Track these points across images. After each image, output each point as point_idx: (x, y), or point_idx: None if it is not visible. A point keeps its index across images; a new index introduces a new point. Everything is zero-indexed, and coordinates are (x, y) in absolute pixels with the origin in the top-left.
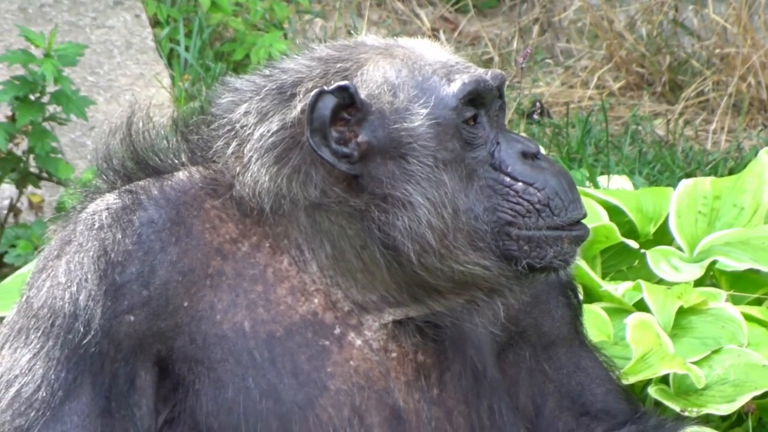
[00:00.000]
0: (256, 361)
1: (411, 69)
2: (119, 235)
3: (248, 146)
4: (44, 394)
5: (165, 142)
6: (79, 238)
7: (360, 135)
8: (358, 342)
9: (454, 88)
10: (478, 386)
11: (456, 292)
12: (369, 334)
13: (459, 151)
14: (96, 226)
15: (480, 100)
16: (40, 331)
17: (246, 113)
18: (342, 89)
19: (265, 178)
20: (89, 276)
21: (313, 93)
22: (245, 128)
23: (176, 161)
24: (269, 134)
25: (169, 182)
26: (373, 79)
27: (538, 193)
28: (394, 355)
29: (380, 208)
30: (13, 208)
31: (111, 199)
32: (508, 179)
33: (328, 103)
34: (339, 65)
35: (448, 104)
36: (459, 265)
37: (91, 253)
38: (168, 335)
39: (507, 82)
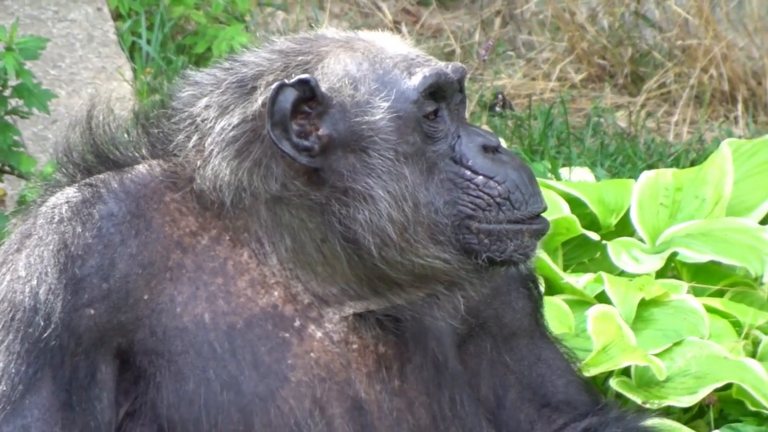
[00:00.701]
0: (216, 352)
1: (372, 62)
2: (79, 229)
3: (209, 140)
4: (4, 388)
5: (126, 135)
6: (39, 232)
7: (321, 128)
8: (319, 334)
9: (414, 81)
10: (439, 377)
11: (417, 285)
12: (329, 327)
13: (420, 144)
14: (56, 220)
15: (441, 93)
16: (0, 325)
17: (207, 107)
18: (303, 82)
19: (226, 172)
20: (49, 269)
21: (273, 86)
22: (206, 122)
23: (137, 154)
24: (230, 128)
25: (130, 175)
26: (333, 72)
27: (498, 187)
28: (355, 347)
29: (341, 201)
30: None
31: (71, 192)
32: (468, 173)
33: (289, 96)
34: (300, 58)
35: (409, 97)
36: (419, 259)
37: (51, 247)
38: (128, 328)
39: (468, 75)
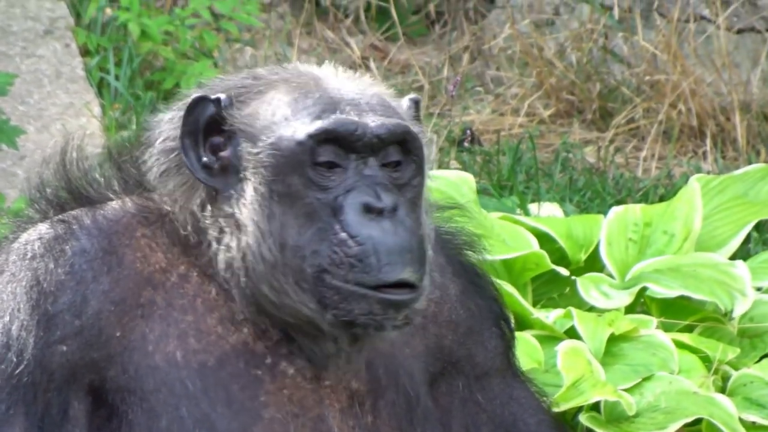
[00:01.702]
0: (188, 390)
1: (294, 99)
2: (51, 265)
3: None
4: None
5: (98, 171)
6: (11, 268)
7: (226, 150)
8: (291, 371)
9: (311, 126)
10: (411, 413)
11: (310, 331)
12: (301, 363)
13: (299, 188)
14: (28, 256)
15: (348, 145)
16: None
17: (164, 139)
18: (217, 100)
19: (180, 200)
20: (21, 306)
21: (192, 96)
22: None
23: (109, 191)
24: (167, 149)
25: (102, 212)
26: (260, 101)
27: (355, 247)
28: (327, 383)
29: (227, 227)
30: None
31: (43, 229)
32: (337, 227)
33: (204, 110)
34: (244, 85)
35: (295, 139)
36: (292, 303)
37: (24, 283)
38: (101, 365)
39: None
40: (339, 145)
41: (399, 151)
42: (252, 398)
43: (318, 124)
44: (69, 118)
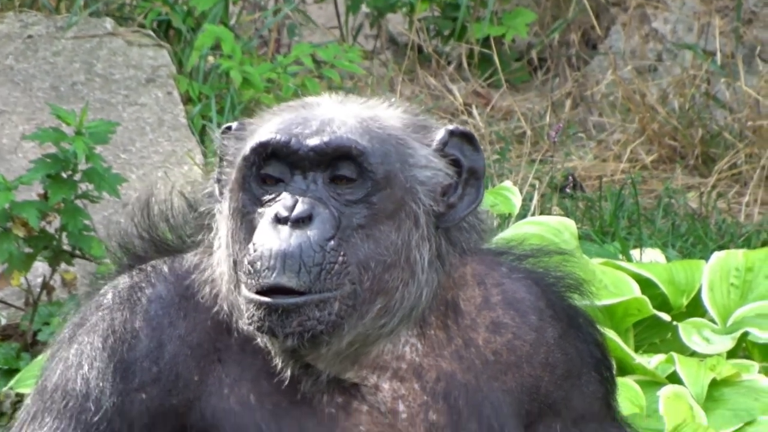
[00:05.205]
0: None
1: (277, 121)
2: (128, 314)
3: None
4: None
5: (182, 221)
6: (90, 320)
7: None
8: (365, 407)
9: (253, 141)
10: None
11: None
12: (372, 399)
13: (247, 204)
14: (106, 306)
15: (287, 160)
16: (54, 413)
17: None
18: (227, 128)
19: None
20: (98, 355)
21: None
22: None
23: (191, 240)
24: None
25: (180, 260)
26: (255, 128)
27: (253, 254)
28: (404, 416)
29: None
30: (46, 286)
31: (122, 279)
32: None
33: (220, 138)
34: (271, 112)
35: (243, 154)
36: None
37: (101, 333)
38: (180, 411)
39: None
40: (282, 160)
41: (353, 169)
42: None
43: (256, 139)
44: (171, 166)
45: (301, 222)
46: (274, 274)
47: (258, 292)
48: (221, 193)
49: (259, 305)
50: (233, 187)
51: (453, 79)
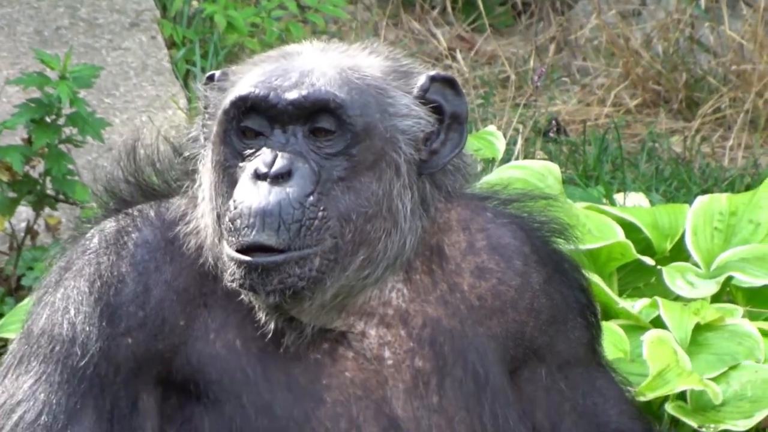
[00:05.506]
0: (249, 378)
1: (251, 74)
2: (114, 258)
3: None
4: (46, 419)
5: (168, 165)
6: (76, 264)
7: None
8: (350, 354)
9: (232, 95)
10: (479, 392)
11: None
12: (357, 345)
13: (228, 157)
14: (92, 250)
15: (266, 113)
16: (41, 358)
17: None
18: (209, 78)
19: None
20: (85, 299)
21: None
22: None
23: (177, 185)
24: None
25: (167, 204)
26: (237, 77)
27: (233, 211)
28: (390, 362)
29: None
30: (30, 231)
31: (109, 224)
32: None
33: (202, 89)
34: (252, 62)
35: (223, 107)
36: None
37: (87, 277)
38: (166, 356)
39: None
40: (261, 114)
41: (332, 121)
42: (313, 382)
43: (235, 92)
44: (155, 111)
45: (280, 178)
46: (253, 233)
47: (238, 250)
48: (204, 146)
49: (240, 263)
50: (215, 140)
51: (437, 24)
